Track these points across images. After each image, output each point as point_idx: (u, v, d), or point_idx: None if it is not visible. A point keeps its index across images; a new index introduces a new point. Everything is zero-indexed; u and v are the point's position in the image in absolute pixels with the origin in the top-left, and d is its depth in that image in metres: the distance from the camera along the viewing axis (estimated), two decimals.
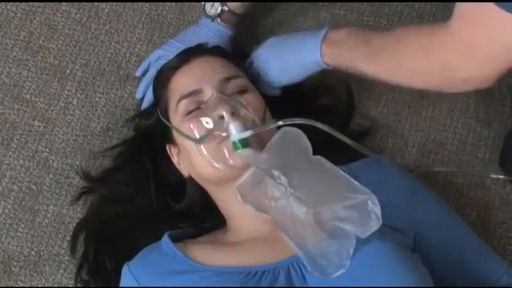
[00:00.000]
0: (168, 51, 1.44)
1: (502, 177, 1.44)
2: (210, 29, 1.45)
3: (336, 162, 1.15)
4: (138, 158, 1.39)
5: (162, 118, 1.31)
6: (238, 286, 1.13)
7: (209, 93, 1.25)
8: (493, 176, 1.45)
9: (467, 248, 1.26)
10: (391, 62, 1.20)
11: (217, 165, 1.20)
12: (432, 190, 1.35)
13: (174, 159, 1.32)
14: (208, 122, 1.22)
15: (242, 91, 1.27)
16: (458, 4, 1.09)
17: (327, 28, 1.31)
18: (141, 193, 1.36)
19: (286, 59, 1.34)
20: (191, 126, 1.23)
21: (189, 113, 1.25)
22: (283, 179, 1.13)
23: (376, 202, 1.09)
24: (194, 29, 1.48)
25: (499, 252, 1.36)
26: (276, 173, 1.13)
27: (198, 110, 1.25)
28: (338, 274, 1.09)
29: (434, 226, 1.25)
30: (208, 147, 1.21)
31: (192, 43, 1.39)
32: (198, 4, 1.57)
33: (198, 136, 1.22)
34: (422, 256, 1.18)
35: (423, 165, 1.47)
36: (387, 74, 1.23)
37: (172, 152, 1.32)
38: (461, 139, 1.49)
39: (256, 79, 1.36)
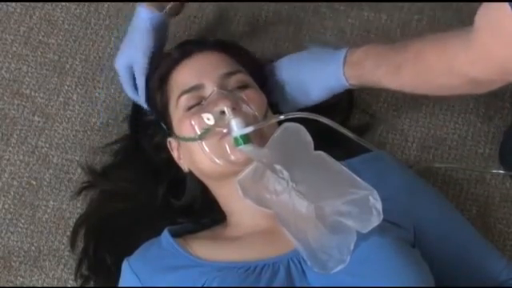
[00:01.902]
0: (134, 55, 1.36)
1: (502, 172, 1.44)
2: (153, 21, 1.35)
3: (337, 158, 1.15)
4: (137, 154, 1.39)
5: (160, 121, 1.31)
6: (238, 280, 1.13)
7: (210, 88, 1.25)
8: (493, 171, 1.45)
9: (467, 243, 1.27)
10: (414, 78, 1.22)
11: (218, 160, 1.20)
12: (432, 186, 1.35)
13: (174, 154, 1.32)
14: (209, 118, 1.21)
15: (243, 86, 1.26)
16: (479, 17, 1.10)
17: (345, 50, 1.30)
18: (141, 188, 1.36)
19: (309, 86, 1.34)
20: (192, 122, 1.23)
21: (190, 108, 1.25)
22: (285, 173, 1.13)
23: (377, 197, 1.09)
24: (134, 23, 1.37)
25: (499, 247, 1.36)
26: (278, 167, 1.13)
27: (198, 106, 1.24)
28: (338, 269, 1.09)
29: (433, 221, 1.25)
30: (209, 143, 1.21)
31: (142, 39, 1.34)
32: None
33: (199, 132, 1.22)
34: (421, 251, 1.18)
35: (423, 160, 1.47)
36: (412, 89, 1.25)
37: (172, 147, 1.32)
38: (461, 135, 1.49)
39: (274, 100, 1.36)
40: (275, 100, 1.35)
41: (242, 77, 1.28)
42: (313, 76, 1.33)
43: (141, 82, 1.35)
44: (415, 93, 1.28)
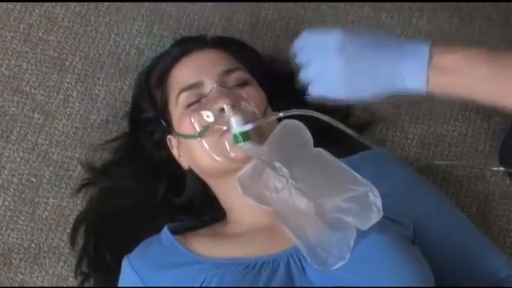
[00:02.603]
0: None
1: (502, 169, 1.44)
2: None
3: (336, 155, 1.15)
4: (137, 151, 1.39)
5: (160, 118, 1.31)
6: (238, 277, 1.13)
7: (209, 85, 1.25)
8: (493, 168, 1.45)
9: (467, 240, 1.27)
10: None
11: (217, 158, 1.21)
12: (432, 183, 1.35)
13: (174, 152, 1.32)
14: (209, 116, 1.22)
15: (243, 84, 1.26)
16: None
17: (427, 47, 1.06)
18: (141, 186, 1.36)
19: (371, 79, 1.09)
20: (192, 119, 1.23)
21: (189, 105, 1.25)
22: (285, 171, 1.13)
23: (377, 194, 1.09)
24: None
25: (499, 244, 1.36)
26: (277, 164, 1.13)
27: (198, 103, 1.25)
28: (338, 266, 1.10)
29: (433, 218, 1.25)
30: (209, 140, 1.21)
31: None
32: None
33: (198, 129, 1.22)
34: (421, 248, 1.18)
35: (423, 157, 1.47)
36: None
37: (172, 144, 1.32)
38: (461, 132, 1.49)
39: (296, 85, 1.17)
40: (306, 81, 1.13)
41: (241, 74, 1.28)
42: (378, 71, 1.08)
43: None
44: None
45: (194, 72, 1.27)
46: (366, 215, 1.10)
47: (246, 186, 1.15)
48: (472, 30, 1.57)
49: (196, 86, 1.26)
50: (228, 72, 1.27)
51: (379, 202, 1.09)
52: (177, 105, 1.27)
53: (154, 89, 1.34)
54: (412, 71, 1.06)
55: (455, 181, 1.45)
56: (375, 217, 1.10)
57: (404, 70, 1.07)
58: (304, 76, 1.12)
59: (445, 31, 1.56)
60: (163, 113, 1.31)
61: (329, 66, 1.09)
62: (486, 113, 1.49)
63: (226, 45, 1.35)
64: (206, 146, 1.21)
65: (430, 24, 1.56)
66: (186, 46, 1.34)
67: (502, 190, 1.45)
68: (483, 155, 1.47)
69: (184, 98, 1.26)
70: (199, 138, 1.22)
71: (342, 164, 1.13)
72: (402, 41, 1.09)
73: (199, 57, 1.30)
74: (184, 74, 1.28)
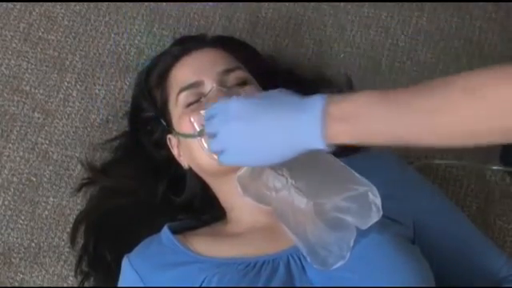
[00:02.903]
0: None
1: (502, 168, 1.44)
2: None
3: (336, 154, 1.15)
4: (137, 150, 1.39)
5: (160, 117, 1.31)
6: (238, 276, 1.13)
7: (209, 85, 1.25)
8: (493, 167, 1.45)
9: (467, 240, 1.27)
10: (462, 122, 0.92)
11: (217, 157, 1.20)
12: (432, 182, 1.35)
13: (174, 151, 1.32)
14: None
15: (243, 83, 1.26)
16: None
17: (324, 98, 1.00)
18: (141, 185, 1.36)
19: (269, 142, 1.04)
20: (192, 118, 1.23)
21: (189, 105, 1.25)
22: (284, 170, 1.13)
23: (376, 193, 1.09)
24: None
25: (499, 244, 1.36)
26: (277, 164, 1.13)
27: (198, 103, 1.25)
28: (338, 265, 1.10)
29: (433, 217, 1.25)
30: (208, 140, 1.21)
31: None
32: None
33: (198, 129, 1.22)
34: (421, 248, 1.18)
35: (423, 157, 1.47)
36: (449, 137, 0.95)
37: (172, 144, 1.32)
38: None
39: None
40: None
41: (241, 73, 1.28)
42: (273, 131, 1.03)
43: None
44: (449, 143, 0.97)
45: (194, 71, 1.27)
46: (366, 215, 1.10)
47: (245, 185, 1.15)
48: (472, 30, 1.57)
49: (196, 85, 1.26)
50: (228, 71, 1.27)
51: (379, 202, 1.09)
52: (177, 104, 1.27)
53: (153, 88, 1.34)
54: (307, 125, 1.00)
55: (455, 180, 1.46)
56: (375, 216, 1.09)
57: (300, 126, 1.01)
58: (213, 147, 1.10)
59: (445, 31, 1.57)
60: (163, 112, 1.31)
61: (231, 135, 1.06)
62: None
63: (226, 44, 1.35)
64: (206, 145, 1.21)
65: (430, 24, 1.57)
66: (185, 45, 1.34)
67: (501, 189, 1.45)
68: (483, 155, 1.47)
69: (184, 97, 1.26)
70: (199, 138, 1.22)
71: (342, 164, 1.13)
72: (296, 98, 1.03)
73: (199, 56, 1.30)
74: (184, 73, 1.28)
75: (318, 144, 1.00)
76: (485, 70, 0.92)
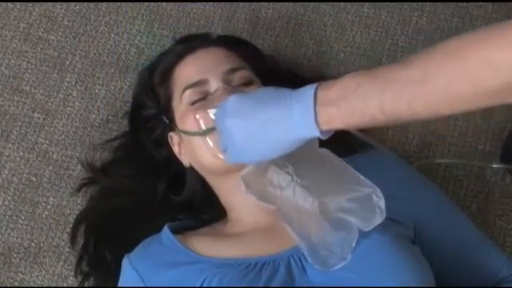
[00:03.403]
0: None
1: (502, 167, 1.44)
2: None
3: (338, 154, 1.15)
4: (137, 150, 1.39)
5: (162, 115, 1.31)
6: (238, 277, 1.13)
7: (214, 83, 1.25)
8: (493, 166, 1.45)
9: (467, 240, 1.27)
10: (448, 85, 0.92)
11: (221, 156, 1.20)
12: (432, 182, 1.35)
13: (175, 149, 1.32)
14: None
15: (247, 83, 1.26)
16: None
17: (314, 87, 1.01)
18: (141, 185, 1.36)
19: (259, 140, 1.06)
20: (197, 116, 1.22)
21: (194, 103, 1.25)
22: (290, 168, 1.12)
23: (380, 195, 1.09)
24: None
25: (499, 244, 1.36)
26: (282, 162, 1.13)
27: (203, 101, 1.24)
28: (339, 266, 1.09)
29: (434, 217, 1.25)
30: (213, 138, 1.21)
31: None
32: None
33: (203, 127, 1.22)
34: (421, 248, 1.18)
35: (423, 156, 1.47)
36: (439, 103, 0.94)
37: (173, 141, 1.32)
38: (461, 131, 1.49)
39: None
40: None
41: (245, 73, 1.28)
42: (268, 125, 1.04)
43: None
44: (438, 111, 0.95)
45: (199, 70, 1.27)
46: (369, 216, 1.09)
47: (249, 183, 1.14)
48: (472, 30, 1.56)
49: (201, 83, 1.26)
50: (233, 71, 1.27)
51: (382, 204, 1.09)
52: (181, 102, 1.27)
53: (157, 86, 1.34)
54: (299, 115, 1.01)
55: (455, 180, 1.46)
56: (378, 218, 1.09)
57: (293, 117, 1.02)
58: (220, 145, 1.12)
59: (445, 31, 1.57)
60: (166, 109, 1.31)
61: (231, 133, 1.08)
62: (486, 113, 1.49)
63: (230, 43, 1.35)
64: (211, 143, 1.20)
65: (430, 24, 1.57)
66: (190, 43, 1.34)
67: (502, 188, 1.45)
68: (483, 154, 1.47)
69: (188, 95, 1.26)
70: (203, 136, 1.21)
71: (347, 165, 1.13)
72: (288, 91, 1.04)
73: (204, 55, 1.30)
74: (189, 71, 1.28)
75: (313, 132, 1.01)
76: (464, 34, 0.94)
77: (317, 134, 1.01)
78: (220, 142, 1.12)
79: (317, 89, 1.00)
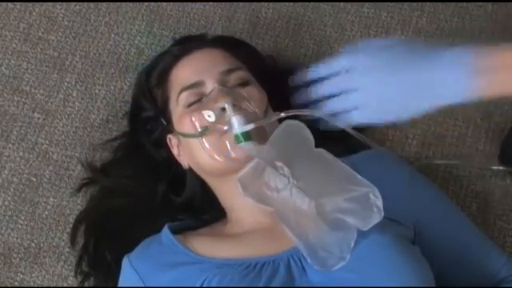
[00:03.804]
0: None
1: (502, 168, 1.44)
2: None
3: (337, 154, 1.15)
4: (137, 150, 1.39)
5: (160, 117, 1.31)
6: (238, 277, 1.13)
7: (210, 85, 1.25)
8: (493, 167, 1.45)
9: (467, 240, 1.27)
10: None
11: (218, 158, 1.20)
12: (432, 183, 1.35)
13: (174, 151, 1.32)
14: (210, 115, 1.21)
15: (244, 84, 1.26)
16: None
17: (469, 54, 1.03)
18: (141, 185, 1.36)
19: (409, 97, 1.06)
20: (193, 118, 1.23)
21: (190, 105, 1.25)
22: (286, 170, 1.13)
23: (378, 194, 1.09)
24: None
25: (499, 244, 1.36)
26: (279, 164, 1.13)
27: (199, 103, 1.24)
28: (338, 266, 1.10)
29: (433, 218, 1.25)
30: (209, 140, 1.21)
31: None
32: None
33: (199, 129, 1.22)
34: (421, 248, 1.18)
35: (423, 157, 1.47)
36: None
37: (172, 143, 1.32)
38: (461, 131, 1.49)
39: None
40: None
41: (242, 74, 1.28)
42: (416, 83, 1.05)
43: None
44: None
45: (195, 71, 1.27)
46: (367, 216, 1.10)
47: (246, 185, 1.15)
48: (472, 30, 1.57)
49: (197, 85, 1.26)
50: (229, 71, 1.27)
51: (380, 203, 1.09)
52: (177, 104, 1.27)
53: (154, 88, 1.34)
54: (453, 80, 1.04)
55: (455, 180, 1.46)
56: (376, 217, 1.10)
57: (446, 80, 1.05)
58: (349, 104, 1.10)
59: (445, 31, 1.56)
60: (163, 112, 1.31)
61: (377, 87, 1.07)
62: (486, 113, 1.49)
63: (227, 44, 1.35)
64: (207, 145, 1.21)
65: (430, 24, 1.56)
66: (186, 45, 1.34)
67: (501, 189, 1.45)
68: (483, 155, 1.47)
69: (185, 97, 1.26)
70: (200, 138, 1.22)
71: (343, 164, 1.13)
72: (432, 48, 1.06)
73: (200, 56, 1.30)
74: (185, 73, 1.28)
75: (463, 97, 1.04)
76: None
77: (466, 99, 1.03)
78: (351, 99, 1.09)
79: (472, 55, 1.03)
